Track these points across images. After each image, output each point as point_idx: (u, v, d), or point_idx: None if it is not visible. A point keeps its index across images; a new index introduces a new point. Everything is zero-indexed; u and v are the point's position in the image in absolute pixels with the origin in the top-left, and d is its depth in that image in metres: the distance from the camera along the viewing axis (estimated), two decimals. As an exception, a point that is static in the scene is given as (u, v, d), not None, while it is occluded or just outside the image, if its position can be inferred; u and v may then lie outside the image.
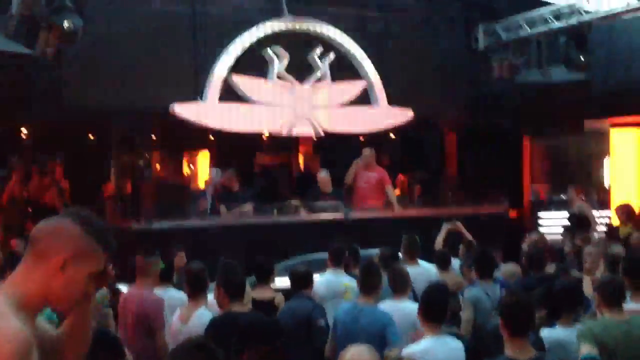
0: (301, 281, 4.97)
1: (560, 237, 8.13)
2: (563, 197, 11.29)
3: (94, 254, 1.95)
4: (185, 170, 13.37)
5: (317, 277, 5.42)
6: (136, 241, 6.83)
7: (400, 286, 5.04)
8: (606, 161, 11.26)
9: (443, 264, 5.97)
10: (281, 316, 4.72)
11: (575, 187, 10.13)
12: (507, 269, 5.93)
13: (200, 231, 7.30)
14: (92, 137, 10.02)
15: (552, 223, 10.85)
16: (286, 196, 9.17)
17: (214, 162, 11.98)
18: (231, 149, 10.97)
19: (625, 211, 8.40)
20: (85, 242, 1.94)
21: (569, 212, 9.03)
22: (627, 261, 4.62)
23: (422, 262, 6.14)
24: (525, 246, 6.64)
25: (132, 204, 8.60)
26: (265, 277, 5.30)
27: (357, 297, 4.79)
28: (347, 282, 5.65)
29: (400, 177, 10.78)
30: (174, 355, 2.11)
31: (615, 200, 10.53)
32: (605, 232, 8.31)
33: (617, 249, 5.64)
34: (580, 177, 11.69)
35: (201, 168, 13.56)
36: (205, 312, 4.48)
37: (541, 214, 11.33)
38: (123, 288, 5.48)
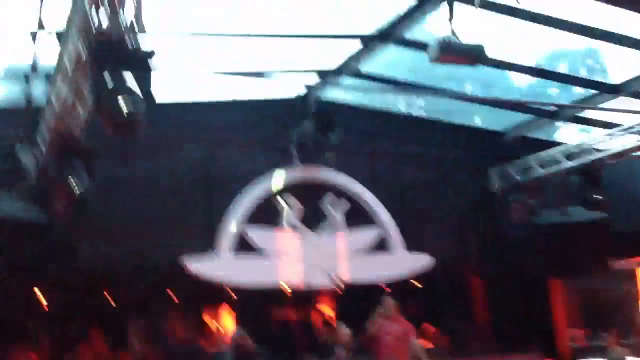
0: None
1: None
2: (603, 342, 10.74)
3: None
4: (208, 327, 13.06)
5: None
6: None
7: None
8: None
9: None
10: None
11: (613, 331, 9.62)
12: None
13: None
14: (110, 300, 9.89)
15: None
16: (304, 352, 8.75)
17: (237, 320, 11.72)
18: (252, 304, 10.73)
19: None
20: None
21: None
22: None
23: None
24: None
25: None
26: None
27: None
28: None
29: (428, 327, 10.33)
30: None
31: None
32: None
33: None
34: (615, 319, 11.14)
35: (224, 324, 13.27)
36: None
37: (582, 360, 10.70)
38: None
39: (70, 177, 6.72)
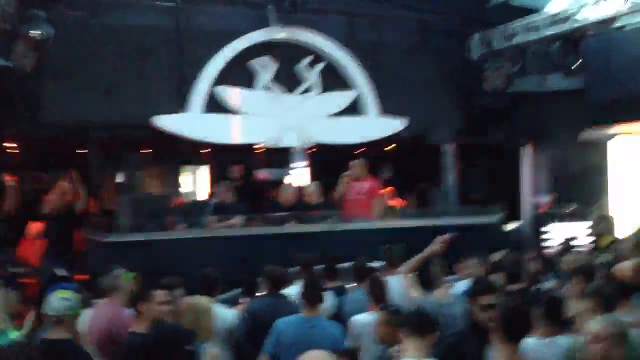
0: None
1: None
2: (567, 209, 11.07)
3: None
4: (184, 184, 13.31)
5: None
6: (109, 254, 6.70)
7: (377, 297, 4.88)
8: (609, 172, 11.00)
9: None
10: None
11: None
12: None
13: (177, 243, 7.11)
14: (76, 152, 9.92)
15: (554, 236, 10.61)
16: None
17: (211, 177, 11.91)
18: (226, 163, 10.83)
19: (607, 222, 8.33)
20: None
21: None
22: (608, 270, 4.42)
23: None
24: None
25: (112, 218, 8.47)
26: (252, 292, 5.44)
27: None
28: None
29: (390, 189, 10.57)
30: None
31: (617, 210, 10.28)
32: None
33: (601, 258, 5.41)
34: (582, 189, 11.42)
35: (201, 182, 13.52)
36: None
37: (544, 228, 11.08)
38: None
39: (32, 25, 6.51)
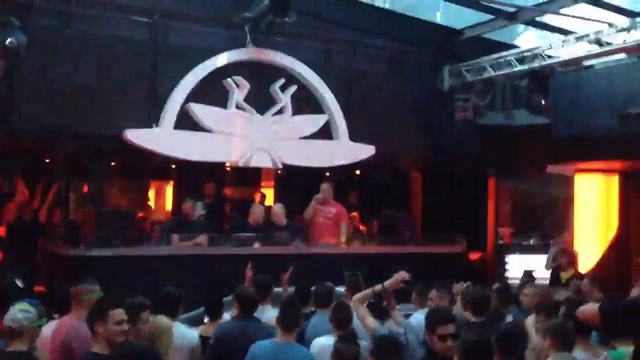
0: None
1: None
2: (529, 242, 11.28)
3: None
4: (150, 200, 13.19)
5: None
6: (71, 268, 6.60)
7: (342, 323, 4.89)
8: (573, 207, 11.23)
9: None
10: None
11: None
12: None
13: (141, 259, 7.04)
14: (45, 160, 9.79)
15: (516, 267, 10.78)
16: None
17: (178, 193, 11.82)
18: (193, 180, 10.79)
19: (568, 256, 8.51)
20: None
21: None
22: (569, 308, 4.51)
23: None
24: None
25: (75, 231, 8.36)
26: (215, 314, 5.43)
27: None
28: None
29: (355, 214, 10.65)
30: None
31: (580, 245, 10.49)
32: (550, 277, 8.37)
33: (561, 294, 5.51)
34: (545, 221, 11.66)
35: (167, 198, 13.41)
36: None
37: (507, 258, 11.26)
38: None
39: (6, 32, 6.45)
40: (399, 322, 5.30)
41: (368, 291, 5.20)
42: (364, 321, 4.86)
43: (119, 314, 4.03)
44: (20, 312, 4.16)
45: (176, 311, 5.25)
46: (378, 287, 5.18)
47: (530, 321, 5.04)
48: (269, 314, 5.52)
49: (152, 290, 5.21)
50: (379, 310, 5.24)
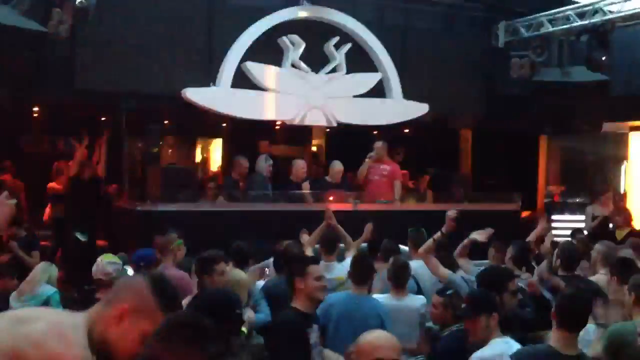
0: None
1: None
2: (577, 200, 11.19)
3: (152, 313, 1.97)
4: (197, 157, 13.41)
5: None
6: (139, 223, 6.82)
7: (400, 280, 4.99)
8: (624, 166, 11.09)
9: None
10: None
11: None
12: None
13: (204, 215, 7.23)
14: (104, 119, 10.00)
15: (565, 225, 10.74)
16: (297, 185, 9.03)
17: (230, 151, 11.97)
18: (244, 138, 10.92)
19: (624, 214, 8.46)
20: (148, 300, 1.98)
21: None
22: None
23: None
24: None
25: (141, 187, 8.58)
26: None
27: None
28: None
29: (405, 172, 10.66)
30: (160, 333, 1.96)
31: (632, 205, 10.38)
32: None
33: (626, 252, 5.52)
34: (595, 180, 11.54)
35: (213, 156, 13.61)
36: None
37: (554, 216, 11.21)
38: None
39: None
40: (468, 269, 5.38)
41: (429, 242, 5.18)
42: (436, 271, 4.90)
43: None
44: (108, 264, 4.44)
45: (246, 264, 5.44)
46: (437, 235, 5.21)
47: (602, 278, 5.06)
48: (337, 270, 5.64)
49: (218, 244, 5.38)
50: (448, 260, 5.29)
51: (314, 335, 3.87)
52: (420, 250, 5.17)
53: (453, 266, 5.46)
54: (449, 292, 4.42)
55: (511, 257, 5.62)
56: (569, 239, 6.88)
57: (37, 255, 7.05)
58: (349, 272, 4.82)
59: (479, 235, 5.33)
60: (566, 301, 3.33)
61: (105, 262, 4.52)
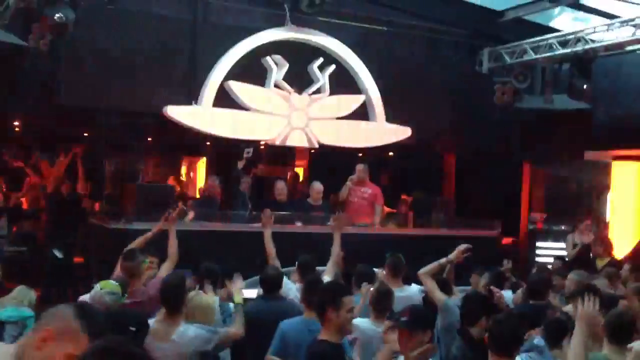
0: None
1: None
2: (562, 227, 11.19)
3: (77, 336, 1.99)
4: (183, 175, 13.34)
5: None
6: (112, 240, 6.72)
7: (382, 306, 4.89)
8: (608, 195, 11.10)
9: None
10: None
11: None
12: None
13: (179, 233, 7.12)
14: (85, 135, 9.93)
15: (548, 253, 10.72)
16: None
17: (211, 170, 11.92)
18: (227, 157, 10.86)
19: (605, 244, 8.49)
20: (72, 323, 2.00)
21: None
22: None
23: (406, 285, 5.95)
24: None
25: (117, 205, 8.49)
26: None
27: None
28: None
29: (403, 197, 10.65)
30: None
31: (615, 234, 10.37)
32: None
33: (600, 282, 5.48)
34: (578, 208, 11.54)
35: (199, 175, 13.55)
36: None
37: (538, 243, 11.20)
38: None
39: (54, 7, 6.53)
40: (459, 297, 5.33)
41: (434, 264, 5.21)
42: (432, 294, 4.87)
43: (352, 301, 3.82)
44: (106, 294, 4.24)
45: (216, 284, 5.35)
46: (443, 260, 5.20)
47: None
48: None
49: (192, 262, 5.30)
50: (446, 285, 5.28)
51: None
52: (422, 271, 5.21)
53: (449, 291, 5.48)
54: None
55: (485, 284, 5.57)
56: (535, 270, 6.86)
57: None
58: (302, 297, 4.73)
59: (453, 256, 5.32)
60: (496, 326, 3.32)
61: (103, 292, 4.25)
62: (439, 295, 4.88)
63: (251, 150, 8.47)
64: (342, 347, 3.80)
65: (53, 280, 8.07)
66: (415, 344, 3.55)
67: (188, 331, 4.20)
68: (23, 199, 9.25)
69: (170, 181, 10.71)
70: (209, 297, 4.89)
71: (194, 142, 11.19)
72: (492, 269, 6.38)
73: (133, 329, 3.36)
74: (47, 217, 9.01)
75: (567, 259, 9.04)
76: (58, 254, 8.66)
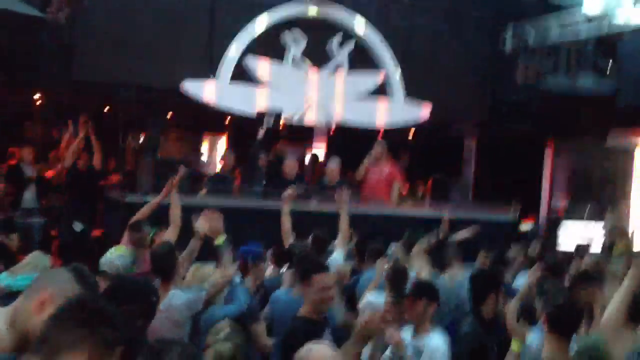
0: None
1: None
2: (583, 213, 10.98)
3: None
4: (203, 152, 13.35)
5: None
6: (129, 214, 6.74)
7: (397, 283, 4.87)
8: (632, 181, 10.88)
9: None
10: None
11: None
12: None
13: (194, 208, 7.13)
14: (103, 111, 9.97)
15: (569, 236, 10.54)
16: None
17: (231, 148, 11.90)
18: (248, 135, 10.82)
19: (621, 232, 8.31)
20: (72, 289, 2.02)
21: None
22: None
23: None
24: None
25: (133, 178, 8.54)
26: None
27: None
28: None
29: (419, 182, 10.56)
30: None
31: (636, 220, 10.17)
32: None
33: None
34: (601, 193, 11.32)
35: (219, 151, 13.54)
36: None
37: (559, 229, 11.02)
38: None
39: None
40: (458, 278, 5.32)
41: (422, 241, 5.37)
42: (419, 274, 4.90)
43: (324, 280, 3.61)
44: (118, 258, 4.44)
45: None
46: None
47: None
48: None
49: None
50: (440, 260, 5.35)
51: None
52: (416, 248, 5.39)
53: (443, 268, 5.55)
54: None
55: (484, 259, 5.65)
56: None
57: (15, 238, 6.96)
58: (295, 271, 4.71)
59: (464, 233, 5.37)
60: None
61: (116, 255, 4.44)
62: (422, 274, 5.00)
63: (272, 118, 8.38)
64: (320, 324, 3.53)
65: (73, 253, 8.14)
66: (418, 313, 3.68)
67: (175, 297, 4.19)
68: (49, 172, 9.33)
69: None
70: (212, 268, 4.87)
71: (215, 118, 11.16)
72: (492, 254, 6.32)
73: (155, 299, 3.37)
74: (66, 190, 9.07)
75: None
76: (77, 227, 8.73)
